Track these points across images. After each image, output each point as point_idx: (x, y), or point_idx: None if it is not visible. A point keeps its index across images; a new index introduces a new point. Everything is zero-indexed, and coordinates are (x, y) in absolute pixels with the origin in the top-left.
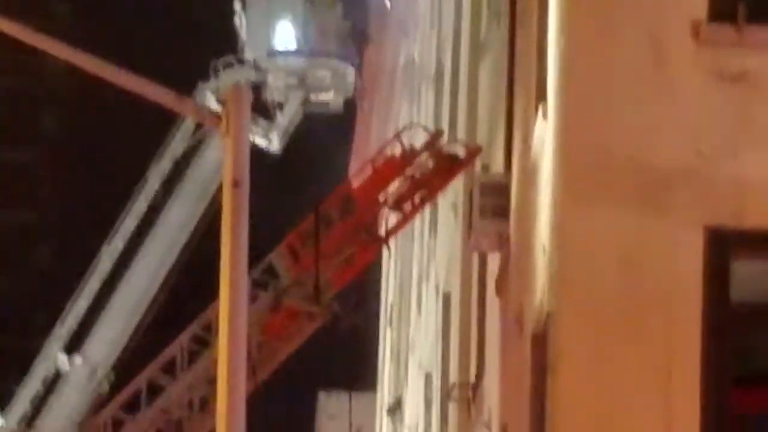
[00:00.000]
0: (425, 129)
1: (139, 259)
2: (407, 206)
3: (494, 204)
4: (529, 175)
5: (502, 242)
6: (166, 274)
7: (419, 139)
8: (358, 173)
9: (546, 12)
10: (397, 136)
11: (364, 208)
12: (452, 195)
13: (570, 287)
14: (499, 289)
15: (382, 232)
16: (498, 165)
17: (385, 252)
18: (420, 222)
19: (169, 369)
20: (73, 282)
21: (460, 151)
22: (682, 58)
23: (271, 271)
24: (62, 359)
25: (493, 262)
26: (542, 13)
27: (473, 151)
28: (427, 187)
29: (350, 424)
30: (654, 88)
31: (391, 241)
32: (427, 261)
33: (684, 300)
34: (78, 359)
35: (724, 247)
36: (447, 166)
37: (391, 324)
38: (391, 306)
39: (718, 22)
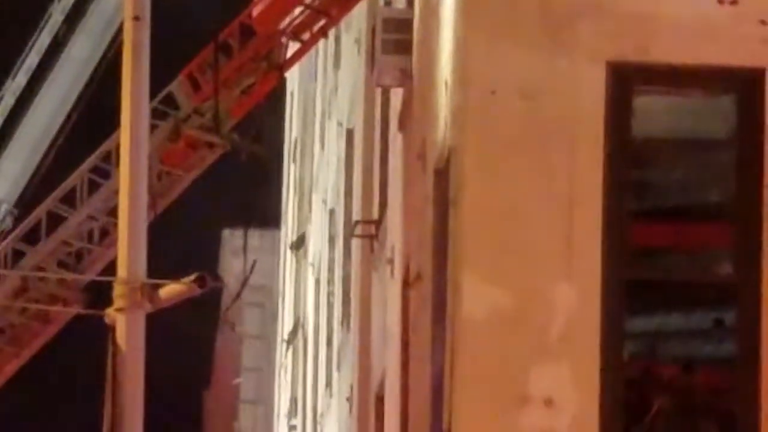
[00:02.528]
0: None
1: (43, 94)
2: (306, 35)
3: (397, 39)
4: (432, 10)
5: (405, 78)
6: (69, 109)
7: None
8: (258, 2)
9: None
10: None
11: (263, 36)
12: (355, 30)
13: (472, 121)
14: (402, 125)
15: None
16: (401, 0)
17: (288, 88)
18: (323, 58)
19: (70, 200)
20: None
21: None
22: None
23: (171, 101)
24: None
25: (396, 97)
26: None
27: None
28: (327, 16)
29: (244, 258)
30: None
31: (292, 71)
32: (330, 97)
33: (587, 134)
34: None
35: (626, 81)
36: None
37: (294, 160)
38: (295, 141)
39: None
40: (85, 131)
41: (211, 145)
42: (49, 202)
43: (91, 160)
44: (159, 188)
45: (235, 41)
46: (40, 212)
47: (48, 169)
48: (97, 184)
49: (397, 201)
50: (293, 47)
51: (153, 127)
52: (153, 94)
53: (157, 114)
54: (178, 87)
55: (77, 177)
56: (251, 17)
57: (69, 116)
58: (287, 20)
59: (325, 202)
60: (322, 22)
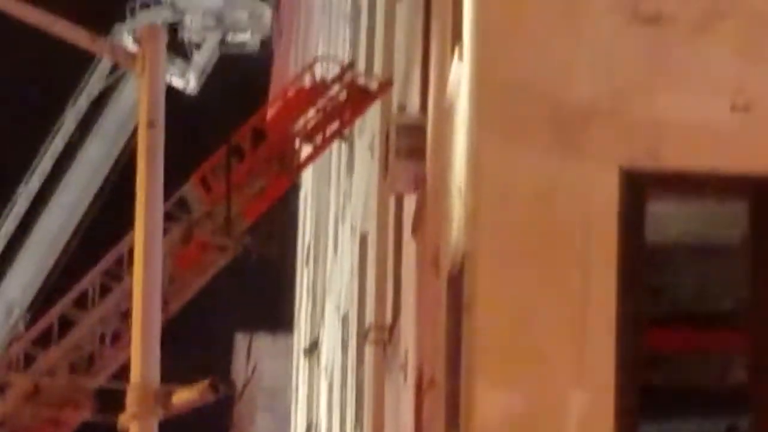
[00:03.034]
0: (338, 61)
1: (56, 199)
2: (319, 138)
3: (410, 145)
4: (445, 116)
5: (419, 183)
6: (82, 214)
7: (334, 72)
8: (272, 105)
9: None
10: (310, 67)
11: (276, 139)
12: (369, 136)
13: (485, 227)
14: (416, 231)
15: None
16: (414, 106)
17: (301, 192)
18: (337, 162)
19: (82, 303)
20: None
21: (373, 84)
22: None
23: (183, 204)
24: None
25: (410, 203)
26: None
27: (385, 84)
28: (339, 118)
29: (247, 362)
30: (570, 27)
31: (305, 175)
32: (343, 202)
33: (600, 240)
34: None
35: (639, 187)
36: (359, 98)
37: (307, 264)
38: (308, 246)
39: None
40: (96, 234)
41: (223, 248)
42: (61, 306)
43: (104, 264)
44: (171, 291)
45: (247, 144)
46: (52, 316)
47: (60, 272)
48: (109, 287)
49: (411, 306)
50: (306, 150)
51: (165, 231)
52: (165, 196)
53: (169, 217)
54: (190, 190)
55: (89, 280)
56: (264, 120)
57: (82, 220)
58: (300, 123)
59: (338, 307)
60: (335, 125)
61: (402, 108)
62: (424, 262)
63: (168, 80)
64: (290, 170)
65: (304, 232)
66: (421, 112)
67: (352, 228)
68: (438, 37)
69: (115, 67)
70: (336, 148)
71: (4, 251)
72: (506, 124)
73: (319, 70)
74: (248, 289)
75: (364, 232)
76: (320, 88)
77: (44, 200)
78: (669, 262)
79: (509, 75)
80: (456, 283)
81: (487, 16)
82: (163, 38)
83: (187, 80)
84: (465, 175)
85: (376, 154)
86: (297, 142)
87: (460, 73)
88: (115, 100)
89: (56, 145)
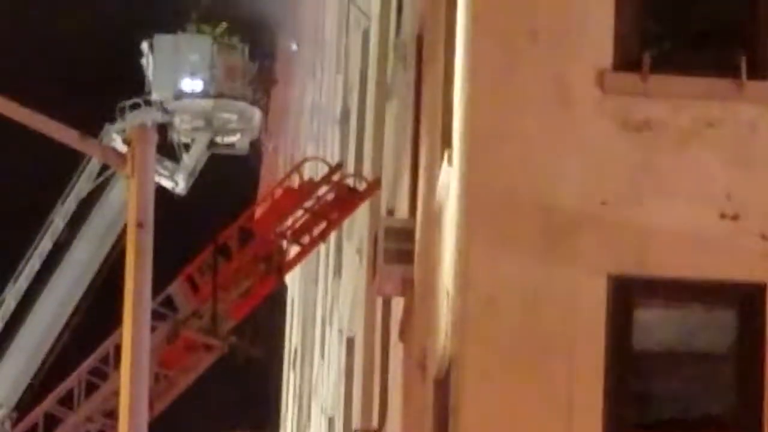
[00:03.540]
0: (325, 162)
1: (43, 299)
2: (305, 238)
3: (399, 249)
4: (434, 220)
5: (406, 287)
6: (69, 313)
7: (323, 173)
8: (260, 204)
9: (452, 57)
10: (297, 167)
11: (263, 239)
12: (357, 240)
13: (473, 331)
14: (403, 334)
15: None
16: (403, 210)
17: (289, 295)
18: (324, 265)
19: (67, 401)
20: None
21: (361, 185)
22: (588, 105)
23: (170, 303)
24: None
25: (397, 306)
26: (448, 59)
27: (373, 184)
28: (327, 219)
29: None
30: (559, 135)
31: (293, 277)
32: (331, 305)
33: (587, 346)
34: None
35: (627, 294)
36: (347, 199)
37: (294, 367)
38: (295, 349)
39: (623, 71)
40: (82, 332)
41: (209, 348)
42: (47, 404)
43: (90, 362)
44: (157, 390)
45: (234, 243)
46: (37, 414)
47: (48, 370)
48: (94, 385)
49: (397, 410)
50: (293, 250)
51: (151, 329)
52: (152, 294)
53: (155, 315)
54: (177, 289)
55: (75, 378)
56: (251, 219)
57: (70, 318)
58: (288, 223)
59: (324, 409)
60: (322, 226)
61: (391, 211)
62: (411, 366)
63: (157, 181)
64: (277, 270)
65: (290, 335)
66: (409, 216)
67: (339, 331)
68: (427, 141)
69: (104, 168)
70: (324, 250)
71: None
72: (495, 229)
73: (307, 171)
74: (234, 391)
75: (351, 335)
76: (308, 188)
77: (32, 299)
78: (656, 369)
79: (498, 181)
80: (442, 387)
81: (477, 123)
82: (153, 139)
83: (176, 181)
84: (453, 279)
85: (365, 257)
86: (284, 242)
87: (449, 178)
88: (104, 200)
89: (44, 244)
